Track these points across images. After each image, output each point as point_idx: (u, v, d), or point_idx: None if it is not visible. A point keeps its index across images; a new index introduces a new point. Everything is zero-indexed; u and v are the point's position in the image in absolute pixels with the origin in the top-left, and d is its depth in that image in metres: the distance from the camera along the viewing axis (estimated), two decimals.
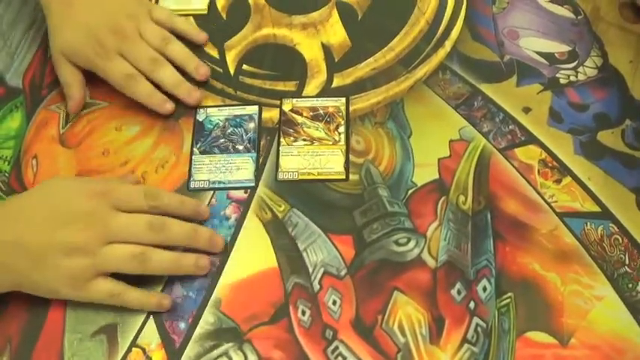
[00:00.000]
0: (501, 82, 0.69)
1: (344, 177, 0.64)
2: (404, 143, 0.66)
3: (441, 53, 0.71)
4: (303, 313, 0.58)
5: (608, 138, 0.65)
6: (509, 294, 0.58)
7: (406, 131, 0.67)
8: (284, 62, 0.72)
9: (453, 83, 0.69)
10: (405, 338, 0.56)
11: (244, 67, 0.72)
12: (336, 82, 0.70)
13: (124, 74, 0.68)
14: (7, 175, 0.67)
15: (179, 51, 0.71)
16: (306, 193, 0.64)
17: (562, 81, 0.69)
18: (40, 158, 0.68)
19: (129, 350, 0.57)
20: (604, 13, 0.73)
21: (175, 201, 0.62)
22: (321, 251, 0.61)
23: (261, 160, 0.66)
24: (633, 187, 0.62)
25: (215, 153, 0.67)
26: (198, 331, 0.58)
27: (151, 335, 0.58)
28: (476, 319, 0.57)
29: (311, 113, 0.68)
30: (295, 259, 0.60)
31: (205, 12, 0.77)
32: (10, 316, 0.60)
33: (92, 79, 0.70)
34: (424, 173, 0.64)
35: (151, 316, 0.59)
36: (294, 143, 0.67)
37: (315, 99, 0.69)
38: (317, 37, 0.74)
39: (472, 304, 0.58)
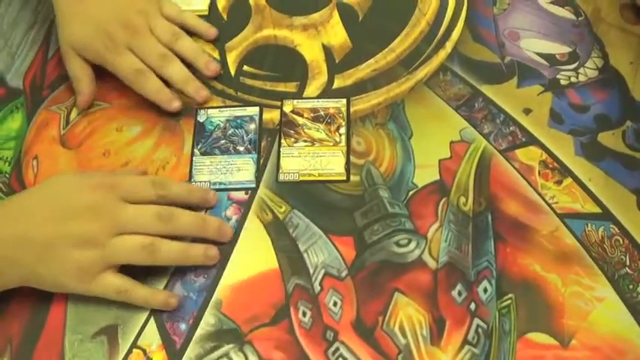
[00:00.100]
0: (502, 84, 0.69)
1: (345, 178, 0.64)
2: (405, 144, 0.66)
3: (442, 54, 0.71)
4: (304, 314, 0.58)
5: (609, 139, 0.65)
6: (509, 295, 0.58)
7: (407, 132, 0.67)
8: (285, 63, 0.72)
9: (454, 84, 0.69)
10: (406, 339, 0.56)
11: (245, 68, 0.72)
12: (337, 83, 0.70)
13: (134, 69, 0.69)
14: (7, 176, 0.67)
15: (189, 47, 0.71)
16: (306, 195, 0.64)
17: (563, 82, 0.69)
18: (40, 159, 0.68)
19: (129, 351, 0.57)
20: (605, 14, 0.73)
21: (183, 190, 0.62)
22: (322, 252, 0.61)
23: (261, 161, 0.66)
24: (634, 188, 0.62)
25: (216, 154, 0.67)
26: (198, 332, 0.58)
27: (151, 336, 0.58)
28: (477, 321, 0.57)
29: (312, 114, 0.68)
30: (296, 260, 0.60)
31: (206, 13, 0.77)
32: (10, 316, 0.60)
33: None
34: (425, 174, 0.64)
35: (152, 317, 0.59)
36: (294, 144, 0.67)
37: (316, 100, 0.69)
38: (318, 38, 0.74)
39: (473, 306, 0.58)
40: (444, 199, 0.63)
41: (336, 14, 0.75)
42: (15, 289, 0.59)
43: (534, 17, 0.73)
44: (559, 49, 0.71)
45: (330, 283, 0.59)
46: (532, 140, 0.65)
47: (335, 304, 0.58)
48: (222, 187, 0.65)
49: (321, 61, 0.72)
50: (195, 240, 0.61)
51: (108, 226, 0.57)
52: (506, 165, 0.64)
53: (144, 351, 0.57)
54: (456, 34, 0.73)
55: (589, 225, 0.61)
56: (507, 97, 0.68)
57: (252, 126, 0.68)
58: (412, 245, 0.61)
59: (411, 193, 0.63)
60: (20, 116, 0.71)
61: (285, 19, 0.75)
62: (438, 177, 0.64)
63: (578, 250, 0.60)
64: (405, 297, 0.58)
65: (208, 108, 0.69)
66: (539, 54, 0.71)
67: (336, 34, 0.74)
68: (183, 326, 0.58)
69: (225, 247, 0.61)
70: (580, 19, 0.73)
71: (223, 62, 0.73)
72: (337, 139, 0.67)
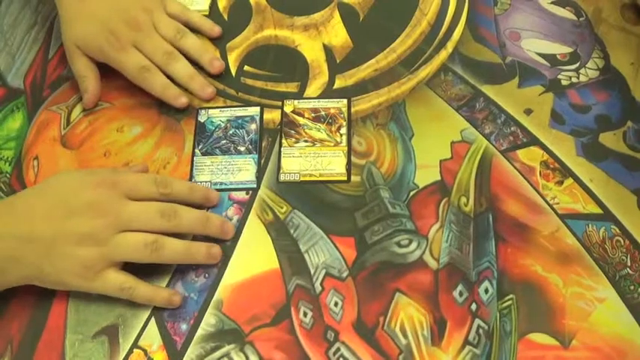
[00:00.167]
0: (503, 84, 0.69)
1: (345, 178, 0.64)
2: (405, 145, 0.66)
3: (443, 55, 0.71)
4: (305, 314, 0.58)
5: (610, 140, 0.65)
6: (510, 296, 0.58)
7: (408, 133, 0.67)
8: (286, 63, 0.72)
9: (455, 85, 0.69)
10: (407, 340, 0.56)
11: (246, 68, 0.72)
12: (338, 83, 0.70)
13: (139, 66, 0.69)
14: (8, 175, 0.67)
15: (193, 44, 0.71)
16: (307, 195, 0.64)
17: (564, 82, 0.69)
18: (41, 159, 0.68)
19: (130, 351, 0.57)
20: (606, 14, 0.73)
21: (185, 188, 0.62)
22: (323, 253, 0.61)
23: (262, 161, 0.66)
24: (635, 189, 0.62)
25: (217, 154, 0.67)
26: (199, 332, 0.58)
27: (152, 336, 0.58)
28: (477, 321, 0.57)
29: (312, 114, 0.68)
30: (297, 260, 0.60)
31: (207, 13, 0.77)
32: (11, 316, 0.60)
33: None
34: (426, 175, 0.64)
35: (153, 317, 0.58)
36: (295, 144, 0.66)
37: (317, 100, 0.69)
38: (319, 38, 0.74)
39: (474, 306, 0.58)
40: (444, 200, 0.63)
41: (337, 14, 0.75)
42: (16, 289, 0.59)
43: (535, 17, 0.73)
44: (560, 49, 0.71)
45: (331, 284, 0.59)
46: (533, 141, 0.65)
47: (336, 304, 0.58)
48: (223, 187, 0.65)
49: (322, 62, 0.72)
50: (197, 238, 0.60)
51: (111, 224, 0.57)
52: (507, 165, 0.64)
53: (145, 351, 0.57)
54: (457, 34, 0.73)
55: (590, 225, 0.61)
56: (508, 97, 0.68)
57: (253, 126, 0.68)
58: (413, 246, 0.61)
59: (411, 193, 0.63)
60: (21, 116, 0.71)
61: (285, 19, 0.75)
62: (439, 177, 0.64)
63: (579, 250, 0.60)
64: (405, 297, 0.58)
65: (209, 108, 0.70)
66: (540, 54, 0.71)
67: (337, 34, 0.74)
68: (184, 326, 0.58)
69: (226, 247, 0.61)
70: (581, 19, 0.73)
71: (224, 62, 0.73)
72: (338, 140, 0.67)
